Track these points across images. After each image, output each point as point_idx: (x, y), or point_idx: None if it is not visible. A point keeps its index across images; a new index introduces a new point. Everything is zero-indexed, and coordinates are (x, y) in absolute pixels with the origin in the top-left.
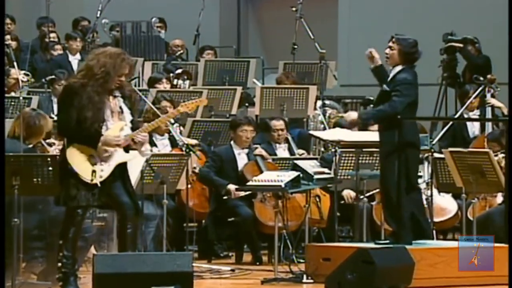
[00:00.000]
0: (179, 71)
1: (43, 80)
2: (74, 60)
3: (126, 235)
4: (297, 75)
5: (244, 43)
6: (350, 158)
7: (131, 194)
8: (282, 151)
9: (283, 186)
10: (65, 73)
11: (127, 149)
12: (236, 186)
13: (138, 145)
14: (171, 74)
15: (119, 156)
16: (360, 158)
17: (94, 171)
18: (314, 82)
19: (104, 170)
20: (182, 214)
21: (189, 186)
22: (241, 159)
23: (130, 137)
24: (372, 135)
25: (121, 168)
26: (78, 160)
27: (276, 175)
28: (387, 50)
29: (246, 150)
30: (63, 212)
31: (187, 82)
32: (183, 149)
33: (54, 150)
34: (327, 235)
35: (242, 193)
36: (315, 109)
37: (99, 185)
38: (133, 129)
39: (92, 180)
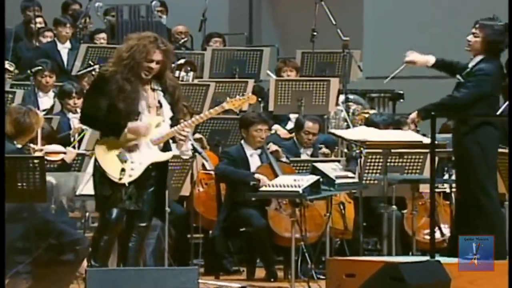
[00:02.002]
0: (181, 61)
1: (29, 71)
2: (64, 48)
3: (128, 246)
4: (317, 66)
5: (257, 30)
6: (377, 160)
7: (156, 204)
8: (305, 156)
9: (301, 192)
10: (48, 63)
11: (165, 148)
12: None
13: (179, 143)
14: (172, 65)
15: (153, 155)
16: (389, 160)
17: (123, 170)
18: (336, 74)
19: (135, 169)
20: (188, 223)
21: (201, 189)
22: (254, 161)
23: (170, 134)
24: (401, 134)
25: (159, 170)
26: (106, 158)
27: (292, 179)
28: (470, 37)
29: (258, 151)
30: (51, 222)
31: (191, 74)
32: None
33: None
34: (351, 248)
35: (268, 182)
36: (337, 104)
37: (126, 184)
38: (172, 126)
39: (120, 179)
